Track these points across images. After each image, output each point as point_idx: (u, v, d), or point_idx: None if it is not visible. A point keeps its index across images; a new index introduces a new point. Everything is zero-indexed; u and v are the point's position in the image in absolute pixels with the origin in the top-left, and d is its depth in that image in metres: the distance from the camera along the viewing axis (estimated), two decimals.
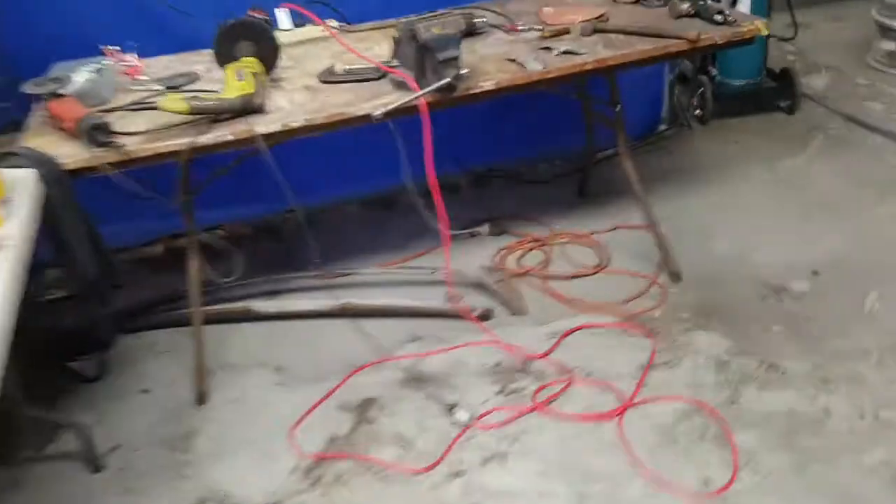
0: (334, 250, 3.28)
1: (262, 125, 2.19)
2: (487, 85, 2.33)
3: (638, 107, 3.76)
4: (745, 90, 4.04)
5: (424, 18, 2.23)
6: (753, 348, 2.55)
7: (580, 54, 2.42)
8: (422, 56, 2.21)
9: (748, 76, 4.03)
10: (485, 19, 2.73)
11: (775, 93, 4.09)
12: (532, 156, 3.82)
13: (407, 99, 2.16)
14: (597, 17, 2.70)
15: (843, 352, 2.51)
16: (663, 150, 3.90)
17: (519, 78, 2.35)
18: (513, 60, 2.44)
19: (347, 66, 2.52)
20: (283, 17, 2.88)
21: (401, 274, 3.05)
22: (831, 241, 3.06)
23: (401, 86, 2.32)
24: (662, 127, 4.02)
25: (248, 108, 2.21)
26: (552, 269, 3.09)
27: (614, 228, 3.28)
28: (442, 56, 2.16)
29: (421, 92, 2.16)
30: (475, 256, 3.17)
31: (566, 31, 2.62)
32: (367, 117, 2.22)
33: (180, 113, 2.15)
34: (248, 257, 3.32)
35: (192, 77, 2.55)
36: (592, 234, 3.27)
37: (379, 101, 2.27)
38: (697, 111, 4.04)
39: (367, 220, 3.58)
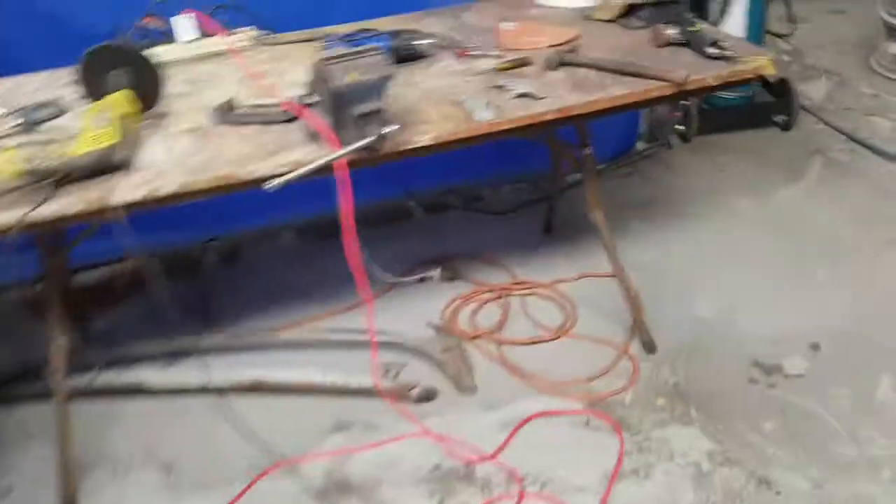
0: (255, 294, 2.82)
1: (123, 191, 1.70)
2: (424, 139, 1.84)
3: (611, 122, 3.24)
4: (735, 103, 3.56)
5: (345, 53, 1.72)
6: (740, 454, 2.11)
7: (540, 99, 1.92)
8: (337, 105, 1.71)
9: (740, 88, 3.54)
10: (431, 40, 2.22)
11: (770, 107, 3.62)
12: (496, 177, 3.34)
13: (314, 165, 1.66)
14: (565, 43, 2.20)
15: (848, 463, 2.08)
16: (639, 174, 3.43)
17: (463, 130, 1.86)
18: (459, 104, 1.94)
19: (253, 101, 2.02)
20: (184, 25, 2.36)
21: (330, 335, 2.57)
22: (834, 302, 2.63)
23: (314, 137, 1.82)
24: (639, 145, 3.53)
25: (106, 166, 1.71)
26: (509, 329, 2.62)
27: (581, 277, 2.80)
28: (360, 110, 1.67)
29: (331, 156, 1.67)
30: (423, 308, 2.72)
31: (527, 63, 2.12)
32: (260, 182, 1.72)
33: (12, 176, 1.64)
34: (154, 302, 2.87)
35: (57, 110, 2.03)
36: (557, 283, 2.79)
37: (283, 157, 1.78)
38: (680, 127, 3.56)
39: (301, 253, 3.10)
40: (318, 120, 1.80)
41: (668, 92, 1.96)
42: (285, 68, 2.25)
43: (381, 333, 2.52)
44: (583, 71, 2.07)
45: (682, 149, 3.57)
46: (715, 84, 2.00)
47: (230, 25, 2.44)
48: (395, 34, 2.19)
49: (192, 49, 2.34)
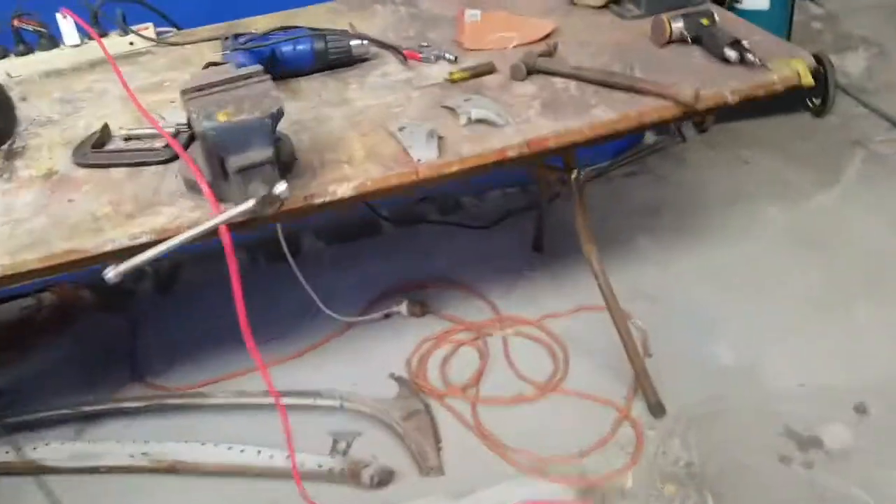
0: (192, 333, 2.41)
1: None
2: (342, 190, 1.36)
3: None
4: None
5: (218, 81, 1.24)
6: None
7: (502, 126, 1.43)
8: (209, 154, 1.23)
9: None
10: (365, 41, 1.72)
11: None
12: (479, 181, 2.85)
13: (166, 246, 1.19)
14: (540, 40, 1.71)
15: None
16: (648, 173, 2.93)
17: (395, 176, 1.38)
18: (395, 133, 1.46)
19: (128, 131, 1.54)
20: (68, 27, 1.88)
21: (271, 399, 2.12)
22: (882, 345, 2.14)
23: (193, 187, 1.35)
24: (648, 137, 3.02)
25: None
26: (487, 382, 2.17)
27: (576, 310, 2.33)
28: (238, 163, 1.19)
29: (191, 233, 1.20)
30: (385, 354, 2.30)
31: (489, 70, 1.62)
32: (113, 258, 1.25)
33: None
34: (75, 343, 2.47)
35: None
36: (546, 318, 2.33)
37: (144, 221, 1.32)
38: None
39: (249, 279, 2.59)
40: (196, 165, 1.32)
41: (670, 114, 1.46)
42: (186, 77, 1.76)
43: (329, 394, 2.09)
44: (560, 82, 1.58)
45: (697, 141, 3.07)
46: (734, 102, 1.49)
47: (128, 22, 1.96)
48: (320, 33, 1.70)
49: (75, 56, 1.87)
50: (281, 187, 1.20)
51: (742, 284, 2.38)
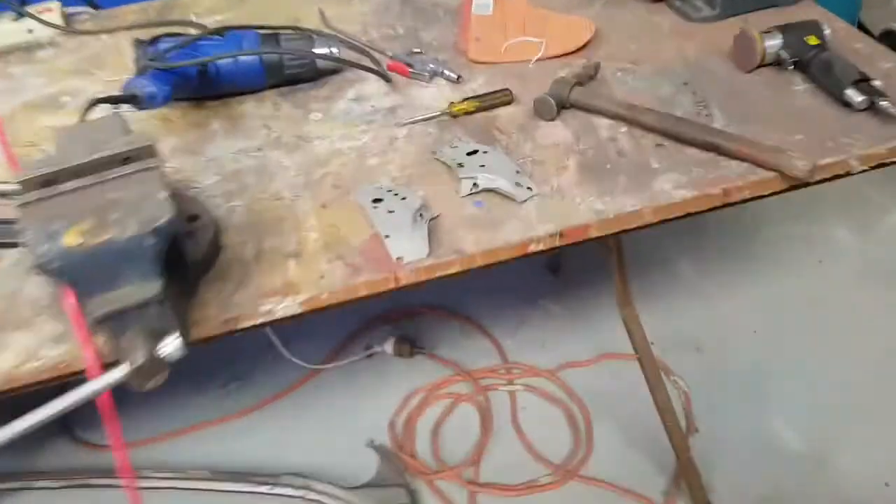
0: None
1: None
2: (284, 307, 0.92)
3: None
4: None
5: (86, 169, 0.77)
6: None
7: (522, 202, 0.97)
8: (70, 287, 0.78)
9: None
10: (334, 49, 1.24)
11: None
12: None
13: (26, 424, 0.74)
14: (577, 51, 1.22)
15: None
16: None
17: (364, 285, 0.92)
18: (366, 208, 0.99)
19: None
20: None
21: (208, 483, 1.71)
22: None
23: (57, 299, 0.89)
24: None
25: None
26: (490, 458, 1.76)
27: (601, 358, 1.91)
28: (102, 308, 0.73)
29: (48, 413, 0.75)
30: (363, 410, 1.89)
31: (505, 102, 1.15)
32: None
33: None
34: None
35: None
36: (564, 368, 1.90)
37: None
38: None
39: None
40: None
41: (768, 190, 1.00)
42: (95, 88, 1.29)
43: (290, 481, 1.68)
44: (605, 125, 1.10)
45: None
46: (858, 170, 1.02)
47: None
48: (273, 37, 1.22)
49: None
50: (169, 346, 0.74)
51: (806, 332, 1.95)
